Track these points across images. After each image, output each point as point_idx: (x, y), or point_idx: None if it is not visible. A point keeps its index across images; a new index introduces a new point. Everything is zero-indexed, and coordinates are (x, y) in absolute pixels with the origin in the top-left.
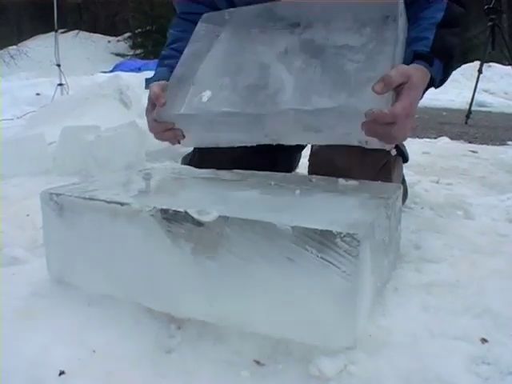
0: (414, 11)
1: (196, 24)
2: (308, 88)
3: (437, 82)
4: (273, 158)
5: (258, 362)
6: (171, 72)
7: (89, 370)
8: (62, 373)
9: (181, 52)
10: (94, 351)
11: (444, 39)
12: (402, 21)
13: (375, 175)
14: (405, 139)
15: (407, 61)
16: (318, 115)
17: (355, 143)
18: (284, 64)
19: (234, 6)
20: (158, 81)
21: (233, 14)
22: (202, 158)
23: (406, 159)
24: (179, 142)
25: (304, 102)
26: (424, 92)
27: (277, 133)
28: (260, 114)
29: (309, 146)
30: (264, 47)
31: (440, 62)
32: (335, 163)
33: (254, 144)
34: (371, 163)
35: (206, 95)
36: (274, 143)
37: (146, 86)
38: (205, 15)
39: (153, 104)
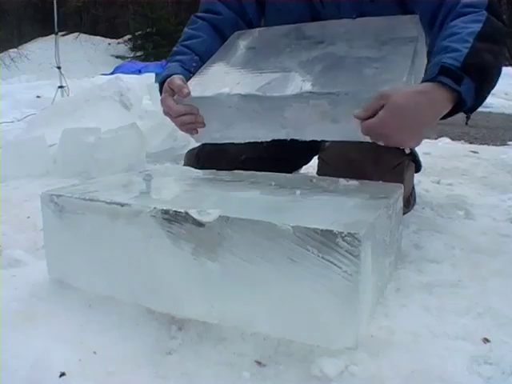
0: (444, 19)
1: (211, 24)
2: (329, 79)
3: (467, 104)
4: (281, 163)
5: (259, 363)
6: (182, 67)
7: (89, 372)
8: (62, 374)
9: (192, 49)
10: (94, 352)
11: (480, 55)
12: (421, 40)
13: (388, 175)
14: (403, 145)
15: (431, 74)
16: (337, 98)
17: (368, 139)
18: (304, 69)
19: (261, 12)
20: (171, 75)
21: (262, 32)
22: (210, 152)
23: (418, 168)
24: (197, 132)
25: (324, 87)
26: (450, 115)
27: (294, 122)
28: (278, 96)
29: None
30: (288, 57)
31: (472, 82)
32: (349, 157)
33: (269, 139)
34: (385, 162)
35: (230, 87)
36: (290, 137)
37: (157, 80)
38: (236, 33)
39: (171, 93)
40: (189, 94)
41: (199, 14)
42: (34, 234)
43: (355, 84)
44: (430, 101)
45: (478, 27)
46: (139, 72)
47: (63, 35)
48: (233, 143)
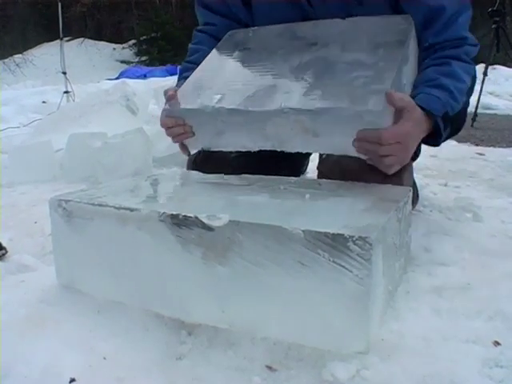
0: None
1: (214, 36)
2: (311, 93)
3: (442, 138)
4: (278, 162)
5: (269, 368)
6: None
7: (99, 377)
8: (72, 380)
9: (195, 63)
10: (104, 358)
11: (465, 112)
12: (412, 43)
13: (385, 179)
14: (392, 169)
15: (435, 109)
16: (315, 115)
17: (355, 154)
18: (294, 74)
19: (252, 14)
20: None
21: (256, 31)
22: (206, 157)
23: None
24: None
25: (304, 104)
26: (423, 142)
27: (277, 135)
28: (259, 111)
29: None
30: (280, 61)
31: (449, 130)
32: (345, 167)
33: (257, 149)
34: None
35: (216, 97)
36: (275, 149)
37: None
38: (230, 32)
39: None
40: (173, 96)
41: (199, 28)
42: (42, 239)
43: (339, 97)
44: (423, 131)
45: (469, 81)
46: (144, 77)
47: (68, 40)
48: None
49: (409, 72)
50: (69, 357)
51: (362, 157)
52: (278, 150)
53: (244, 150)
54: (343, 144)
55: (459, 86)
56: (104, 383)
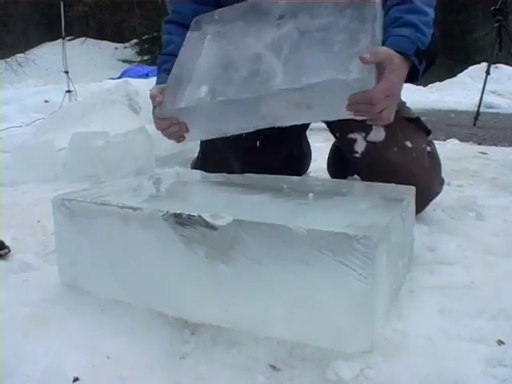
0: None
1: (181, 24)
2: (296, 68)
3: (420, 73)
4: (281, 161)
5: (273, 367)
6: (169, 75)
7: (103, 376)
8: (76, 379)
9: (172, 54)
10: (107, 357)
11: (435, 45)
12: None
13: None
14: (390, 119)
15: (407, 48)
16: (307, 91)
17: (349, 117)
18: (273, 52)
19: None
20: (159, 84)
21: (221, 13)
22: (208, 157)
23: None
24: (184, 138)
25: (293, 81)
26: (405, 80)
27: (271, 114)
28: (254, 97)
29: (322, 150)
30: (253, 39)
31: (425, 65)
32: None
33: (253, 129)
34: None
35: (203, 89)
36: (272, 126)
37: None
38: (196, 18)
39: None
40: (161, 102)
41: (167, 19)
42: (45, 238)
43: (324, 71)
44: (404, 74)
45: (432, 13)
46: (146, 76)
47: (70, 40)
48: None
49: (380, 25)
50: (72, 356)
51: (358, 118)
52: (274, 126)
53: (240, 132)
54: (337, 111)
55: (423, 19)
56: (107, 382)
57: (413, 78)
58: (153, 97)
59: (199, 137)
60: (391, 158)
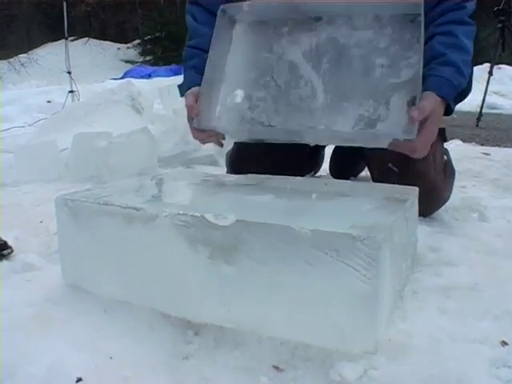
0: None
1: (207, 9)
2: (338, 100)
3: (453, 111)
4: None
5: (276, 368)
6: (197, 73)
7: (106, 377)
8: (79, 379)
9: (200, 48)
10: (110, 358)
11: (469, 81)
12: (423, 22)
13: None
14: (425, 154)
15: (447, 93)
16: (351, 135)
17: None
18: (311, 63)
19: None
20: (190, 88)
21: (252, 6)
22: (239, 157)
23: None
24: (222, 145)
25: (336, 121)
26: None
27: (314, 140)
28: (297, 130)
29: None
30: (288, 43)
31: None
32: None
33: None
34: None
35: (239, 95)
36: (311, 144)
37: (181, 94)
38: (223, 6)
39: (191, 120)
40: (198, 113)
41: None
42: (48, 238)
43: (366, 111)
44: (442, 117)
45: (472, 48)
46: (149, 76)
47: (72, 40)
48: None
49: (420, 47)
50: (75, 356)
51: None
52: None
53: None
54: (376, 145)
55: (466, 58)
56: (110, 382)
57: (446, 114)
58: (189, 107)
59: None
60: (416, 165)
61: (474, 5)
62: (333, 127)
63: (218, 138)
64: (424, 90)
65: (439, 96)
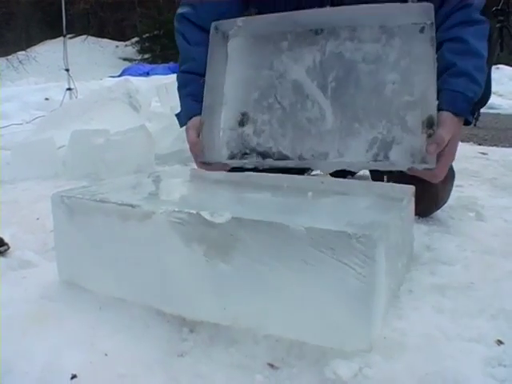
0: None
1: (198, 26)
2: (349, 122)
3: (472, 121)
4: None
5: (271, 366)
6: (195, 100)
7: (101, 374)
8: (73, 376)
9: (194, 73)
10: (105, 355)
11: (489, 91)
12: (434, 31)
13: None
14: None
15: (461, 108)
16: (367, 165)
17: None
18: (316, 81)
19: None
20: (189, 117)
21: (246, 21)
22: None
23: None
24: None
25: (349, 145)
26: None
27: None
28: (309, 160)
29: None
30: (290, 59)
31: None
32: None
33: None
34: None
35: (243, 119)
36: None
37: (181, 125)
38: (214, 24)
39: (196, 155)
40: (202, 150)
41: (182, 12)
42: (44, 235)
43: (379, 139)
44: (460, 134)
45: (485, 48)
46: (147, 74)
47: (71, 38)
48: None
49: (432, 56)
50: (70, 353)
51: None
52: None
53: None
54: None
55: (479, 63)
56: (105, 380)
57: (464, 124)
58: (192, 144)
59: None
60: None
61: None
62: (346, 152)
63: (225, 168)
64: (439, 106)
65: (455, 113)
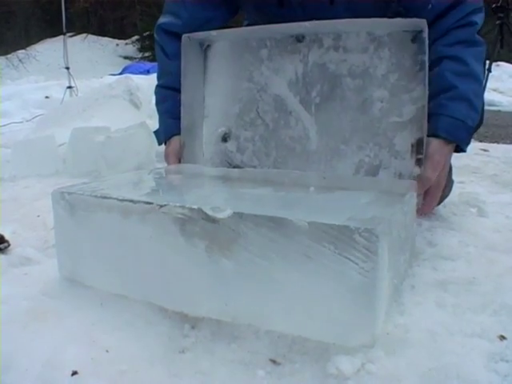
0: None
1: (173, 33)
2: (335, 142)
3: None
4: None
5: (274, 361)
6: (172, 118)
7: (102, 370)
8: (74, 373)
9: (171, 88)
10: (106, 351)
11: (482, 116)
12: (427, 42)
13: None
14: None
15: (459, 136)
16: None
17: None
18: (298, 96)
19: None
20: (167, 137)
21: (222, 32)
22: None
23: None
24: None
25: (335, 167)
26: None
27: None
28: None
29: None
30: (270, 70)
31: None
32: None
33: None
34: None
35: (224, 136)
36: None
37: (159, 143)
38: (186, 35)
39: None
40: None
41: (162, 22)
42: (45, 232)
43: (366, 163)
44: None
45: (483, 74)
46: (148, 72)
47: (71, 36)
48: None
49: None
50: (71, 350)
51: None
52: None
53: None
54: None
55: (478, 88)
56: (106, 376)
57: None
58: (167, 158)
59: None
60: None
61: (483, 17)
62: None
63: None
64: (434, 131)
65: (450, 141)
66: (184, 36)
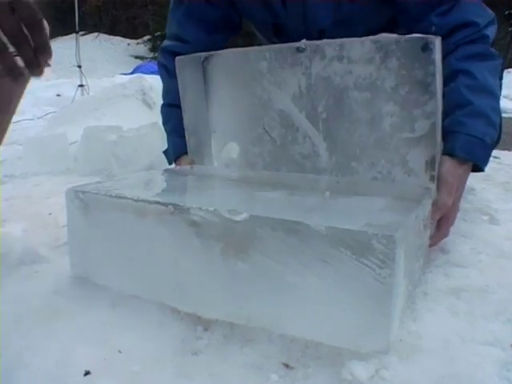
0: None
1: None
2: (345, 159)
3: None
4: None
5: (286, 366)
6: (180, 137)
7: (114, 371)
8: (87, 373)
9: (176, 105)
10: (119, 351)
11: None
12: (438, 53)
13: None
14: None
15: (476, 156)
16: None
17: None
18: (304, 111)
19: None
20: (177, 156)
21: (215, 57)
22: None
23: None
24: None
25: (348, 181)
26: None
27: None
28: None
29: None
30: (272, 84)
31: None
32: None
33: None
34: None
35: (233, 151)
36: None
37: (169, 162)
38: (178, 59)
39: None
40: None
41: (166, 45)
42: (56, 230)
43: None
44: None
45: (500, 89)
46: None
47: (83, 35)
48: None
49: (439, 85)
50: (83, 349)
51: None
52: None
53: None
54: None
55: (495, 104)
56: (119, 377)
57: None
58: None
59: None
60: None
61: (496, 28)
62: None
63: None
64: (451, 151)
65: (467, 161)
66: (177, 58)
